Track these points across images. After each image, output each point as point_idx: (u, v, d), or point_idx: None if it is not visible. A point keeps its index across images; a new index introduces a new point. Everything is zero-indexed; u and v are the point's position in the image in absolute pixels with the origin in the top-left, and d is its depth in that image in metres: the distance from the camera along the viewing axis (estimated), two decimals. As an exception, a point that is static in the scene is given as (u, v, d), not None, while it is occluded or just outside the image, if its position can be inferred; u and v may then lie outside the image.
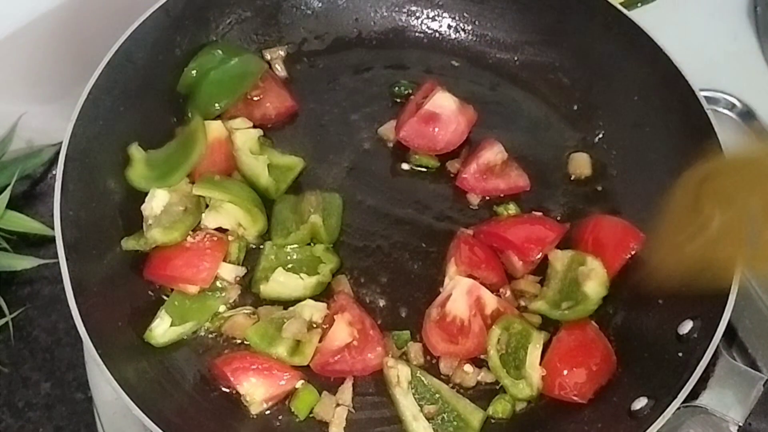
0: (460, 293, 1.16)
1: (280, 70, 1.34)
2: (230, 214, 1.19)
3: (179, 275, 1.14)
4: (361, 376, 1.14)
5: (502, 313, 1.16)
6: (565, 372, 1.12)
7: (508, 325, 1.14)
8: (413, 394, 1.12)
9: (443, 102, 1.26)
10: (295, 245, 1.19)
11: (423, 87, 1.30)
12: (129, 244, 1.16)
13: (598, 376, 1.12)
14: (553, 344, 1.14)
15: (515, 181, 1.27)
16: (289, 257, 1.19)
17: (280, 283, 1.17)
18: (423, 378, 1.13)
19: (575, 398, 1.11)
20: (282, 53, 1.35)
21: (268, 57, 1.34)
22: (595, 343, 1.15)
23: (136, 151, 1.19)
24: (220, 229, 1.20)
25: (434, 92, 1.27)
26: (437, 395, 1.12)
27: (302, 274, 1.18)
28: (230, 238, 1.19)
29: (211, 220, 1.19)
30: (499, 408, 1.12)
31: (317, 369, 1.13)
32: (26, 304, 1.35)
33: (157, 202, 1.16)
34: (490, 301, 1.16)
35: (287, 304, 1.17)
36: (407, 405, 1.11)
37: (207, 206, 1.20)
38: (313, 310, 1.15)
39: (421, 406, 1.12)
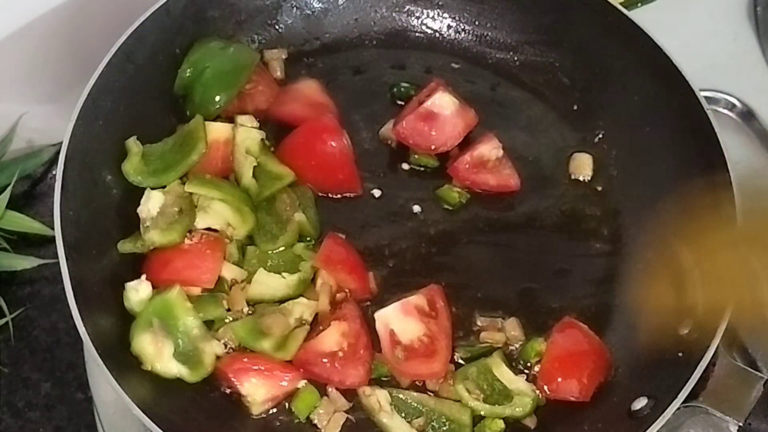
0: (398, 319, 1.14)
1: (279, 71, 1.34)
2: (219, 214, 1.17)
3: (181, 277, 1.13)
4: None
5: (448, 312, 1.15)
6: (562, 377, 1.12)
7: (465, 374, 1.13)
8: (398, 414, 1.11)
9: (443, 102, 1.26)
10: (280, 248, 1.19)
11: (429, 86, 1.30)
12: (125, 247, 1.14)
13: (596, 373, 1.12)
14: (547, 350, 1.14)
15: (506, 180, 1.27)
16: (270, 259, 1.18)
17: (263, 283, 1.16)
18: (401, 395, 1.12)
19: (577, 398, 1.11)
20: (283, 55, 1.34)
21: (269, 58, 1.34)
22: (589, 341, 1.15)
23: (133, 144, 1.18)
24: (209, 230, 1.18)
25: (436, 92, 1.27)
26: (420, 407, 1.11)
27: (284, 273, 1.17)
28: (227, 241, 1.19)
29: (199, 220, 1.17)
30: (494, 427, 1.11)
31: (297, 364, 1.12)
32: (26, 304, 1.35)
33: (153, 203, 1.15)
34: (427, 304, 1.15)
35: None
36: (396, 426, 1.10)
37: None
38: (304, 308, 1.15)
39: (409, 422, 1.10)
